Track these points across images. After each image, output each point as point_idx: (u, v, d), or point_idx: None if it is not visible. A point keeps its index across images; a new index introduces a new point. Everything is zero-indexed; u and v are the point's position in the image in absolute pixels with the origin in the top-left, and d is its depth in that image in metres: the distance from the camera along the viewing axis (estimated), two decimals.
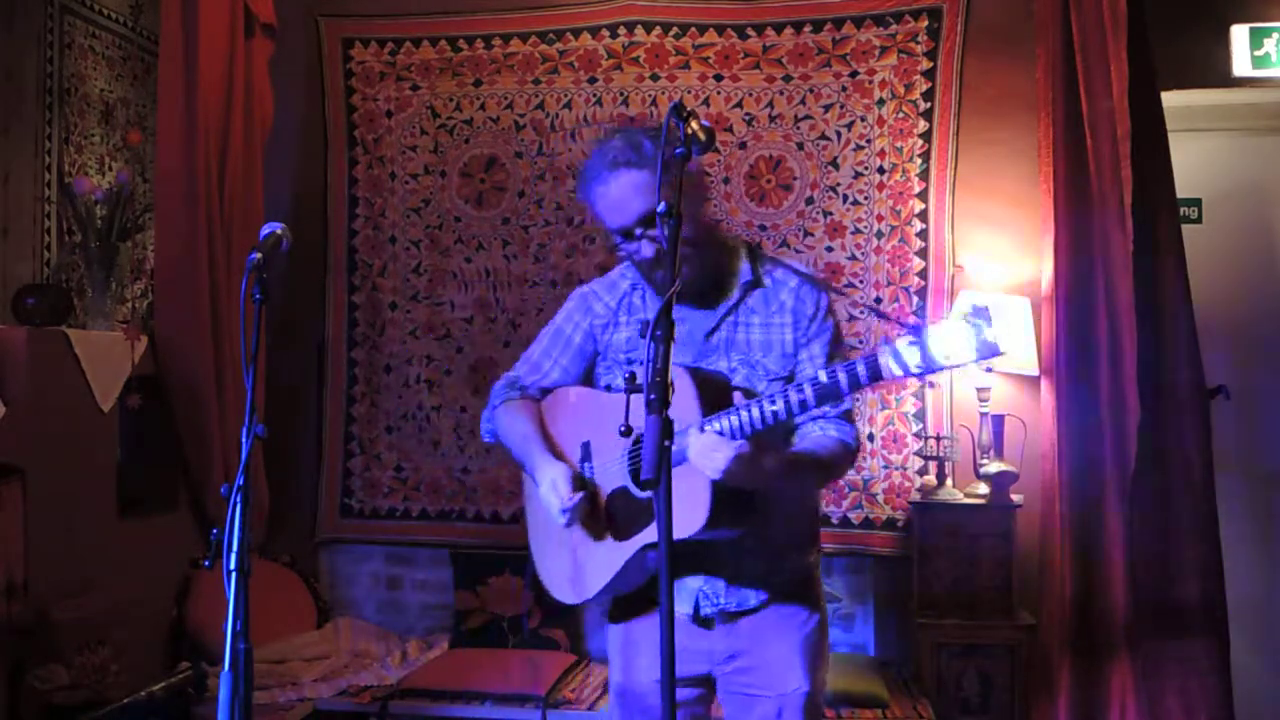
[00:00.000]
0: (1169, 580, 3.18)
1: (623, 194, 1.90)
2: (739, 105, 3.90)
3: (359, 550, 4.13)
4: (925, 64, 3.78)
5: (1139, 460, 3.12)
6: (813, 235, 3.85)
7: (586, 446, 2.04)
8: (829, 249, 3.83)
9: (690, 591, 1.98)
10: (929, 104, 3.77)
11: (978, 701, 3.33)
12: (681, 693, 2.01)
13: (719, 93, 3.92)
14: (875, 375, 1.67)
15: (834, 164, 3.84)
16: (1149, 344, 3.15)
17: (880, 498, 3.75)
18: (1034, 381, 3.58)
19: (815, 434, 1.95)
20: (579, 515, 1.94)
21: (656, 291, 1.97)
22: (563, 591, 2.08)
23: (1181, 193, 3.30)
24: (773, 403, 1.74)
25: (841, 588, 3.75)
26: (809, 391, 1.72)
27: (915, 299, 3.76)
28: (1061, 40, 3.28)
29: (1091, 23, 3.21)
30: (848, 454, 1.97)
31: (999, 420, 3.52)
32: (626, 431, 1.58)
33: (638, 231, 1.92)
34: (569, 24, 4.01)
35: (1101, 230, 3.23)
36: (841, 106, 3.84)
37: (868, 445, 3.74)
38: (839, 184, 3.83)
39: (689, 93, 3.92)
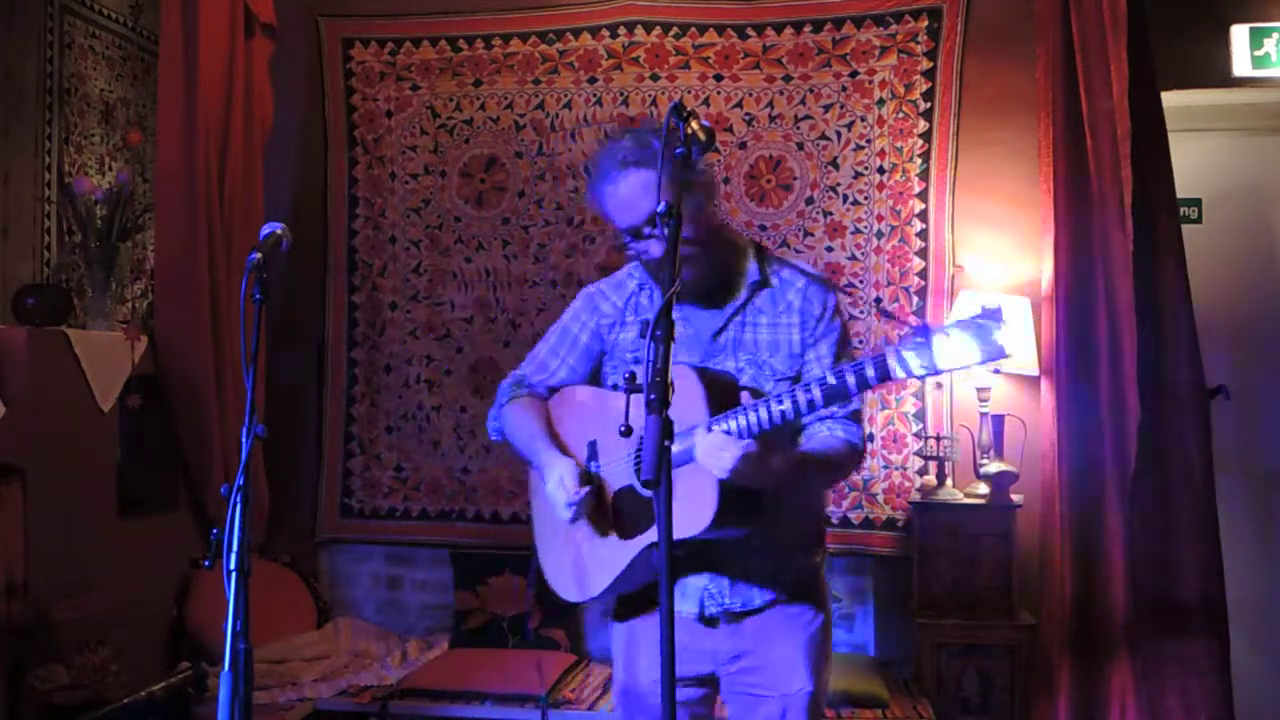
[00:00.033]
0: (1169, 580, 3.18)
1: (632, 193, 1.90)
2: (739, 105, 3.90)
3: (359, 550, 4.13)
4: (925, 64, 3.78)
5: (1139, 460, 3.12)
6: (813, 235, 3.85)
7: (593, 445, 2.04)
8: (829, 249, 3.83)
9: (696, 590, 1.98)
10: (929, 104, 3.77)
11: (978, 701, 3.33)
12: (686, 693, 2.02)
13: (719, 93, 3.92)
14: (884, 376, 1.68)
15: (834, 164, 3.84)
16: (1149, 344, 3.15)
17: (880, 498, 3.75)
18: (1034, 381, 3.58)
19: (822, 434, 1.96)
20: (585, 509, 1.94)
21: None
22: (567, 590, 2.09)
23: (1181, 193, 3.31)
24: (781, 403, 1.75)
25: (841, 588, 3.75)
26: (817, 392, 1.73)
27: (915, 299, 3.76)
28: (1061, 40, 3.28)
29: (1091, 23, 3.21)
30: (854, 455, 1.97)
31: (999, 420, 3.52)
32: (626, 432, 1.58)
33: (646, 231, 1.92)
34: (569, 24, 4.01)
35: (1101, 230, 3.23)
36: (841, 106, 3.84)
37: (868, 445, 3.74)
38: (839, 184, 3.83)
39: (689, 93, 3.92)
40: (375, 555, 4.12)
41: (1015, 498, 3.39)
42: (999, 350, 1.58)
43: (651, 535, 1.89)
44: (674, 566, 1.48)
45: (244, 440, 1.64)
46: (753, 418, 1.76)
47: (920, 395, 3.73)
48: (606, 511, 2.00)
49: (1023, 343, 3.49)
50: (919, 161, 3.78)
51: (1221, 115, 3.86)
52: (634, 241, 1.96)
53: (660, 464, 1.44)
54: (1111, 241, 3.21)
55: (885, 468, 3.76)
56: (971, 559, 3.39)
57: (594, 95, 3.99)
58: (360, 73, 4.18)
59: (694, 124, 1.66)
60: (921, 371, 1.63)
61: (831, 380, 1.72)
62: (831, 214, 3.83)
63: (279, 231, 1.83)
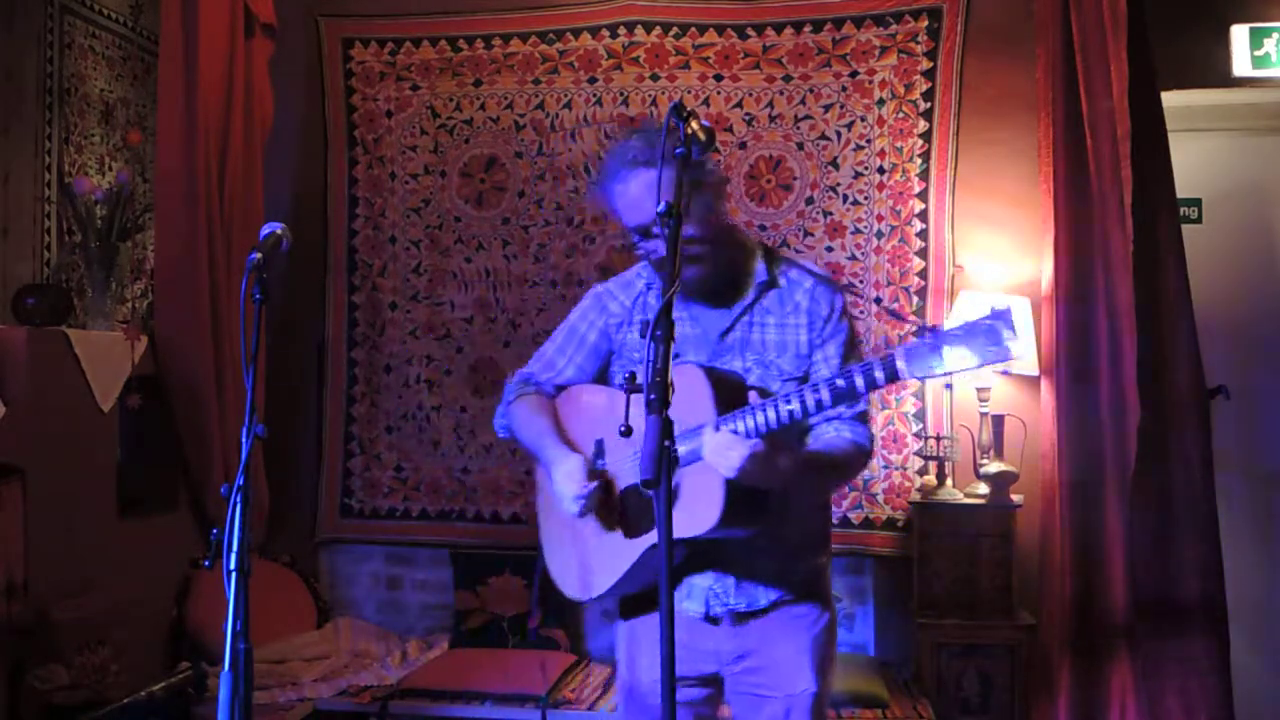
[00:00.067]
0: (1169, 580, 3.18)
1: (640, 192, 1.90)
2: (739, 105, 3.90)
3: (359, 550, 4.13)
4: (925, 64, 3.78)
5: (1139, 460, 3.12)
6: (813, 235, 3.85)
7: (600, 444, 2.04)
8: (829, 249, 3.83)
9: (701, 590, 1.99)
10: (929, 104, 3.77)
11: (978, 701, 3.34)
12: (689, 692, 2.02)
13: (719, 93, 3.92)
14: (892, 377, 1.68)
15: (834, 164, 3.84)
16: (1149, 344, 3.14)
17: (880, 498, 3.75)
18: (1034, 381, 3.58)
19: (829, 435, 1.96)
20: (593, 504, 1.94)
21: None
22: (572, 587, 2.09)
23: (1181, 193, 3.30)
24: (789, 403, 1.75)
25: (842, 588, 3.74)
26: (826, 393, 1.73)
27: (915, 299, 3.76)
28: (1061, 40, 3.28)
29: (1091, 23, 3.21)
30: (861, 455, 1.97)
31: (999, 420, 3.52)
32: (627, 432, 1.59)
33: (655, 230, 1.92)
34: (569, 24, 4.01)
35: (1101, 230, 3.23)
36: (841, 106, 3.84)
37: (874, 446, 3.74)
38: (839, 184, 3.83)
39: (689, 93, 3.92)
40: (375, 555, 4.12)
41: (1015, 498, 3.39)
42: (1007, 352, 1.58)
43: (655, 535, 1.89)
44: (676, 566, 1.48)
45: (244, 440, 1.64)
46: (760, 418, 1.76)
47: (920, 395, 3.73)
48: (614, 507, 2.00)
49: (1023, 343, 3.49)
50: (919, 161, 3.78)
51: (1221, 115, 3.86)
52: (643, 241, 1.97)
53: (660, 464, 1.44)
54: (1111, 241, 3.20)
55: (885, 468, 3.76)
56: (971, 559, 3.39)
57: (594, 95, 3.99)
58: (360, 73, 4.18)
59: (694, 124, 1.66)
60: (930, 373, 1.63)
61: (840, 382, 1.72)
62: (831, 214, 3.83)
63: (279, 231, 1.83)
